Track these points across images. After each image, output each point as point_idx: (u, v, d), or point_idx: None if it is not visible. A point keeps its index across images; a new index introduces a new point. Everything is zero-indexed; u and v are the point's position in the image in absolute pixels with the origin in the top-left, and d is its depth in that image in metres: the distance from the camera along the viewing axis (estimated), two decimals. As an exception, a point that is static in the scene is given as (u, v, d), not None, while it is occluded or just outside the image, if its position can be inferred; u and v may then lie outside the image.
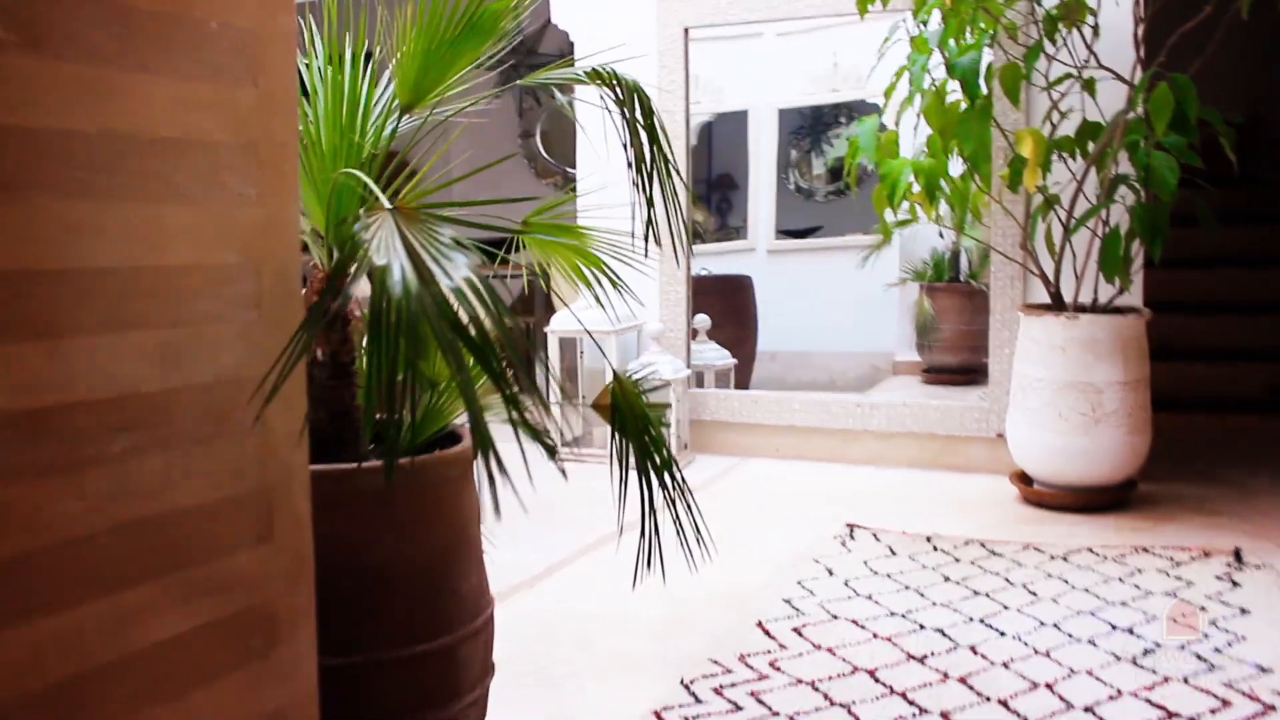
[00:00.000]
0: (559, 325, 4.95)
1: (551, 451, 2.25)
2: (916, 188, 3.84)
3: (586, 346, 5.06)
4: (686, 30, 4.96)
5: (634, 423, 1.93)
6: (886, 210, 3.92)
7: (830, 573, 3.22)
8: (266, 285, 1.33)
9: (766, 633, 2.76)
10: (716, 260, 6.77)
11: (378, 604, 1.60)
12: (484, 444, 1.19)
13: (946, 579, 3.14)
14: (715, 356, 5.22)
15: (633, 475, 2.00)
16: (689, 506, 1.99)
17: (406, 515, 1.66)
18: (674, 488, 1.96)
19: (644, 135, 1.99)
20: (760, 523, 3.87)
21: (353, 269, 1.25)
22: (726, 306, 6.31)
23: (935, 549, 3.43)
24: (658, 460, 1.93)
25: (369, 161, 1.82)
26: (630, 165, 1.99)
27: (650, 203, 1.57)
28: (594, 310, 4.85)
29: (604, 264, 2.24)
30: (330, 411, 1.77)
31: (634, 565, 2.05)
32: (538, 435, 2.22)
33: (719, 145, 7.15)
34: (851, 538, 3.58)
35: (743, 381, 5.60)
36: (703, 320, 5.22)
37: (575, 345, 5.11)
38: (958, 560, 3.32)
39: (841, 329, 6.47)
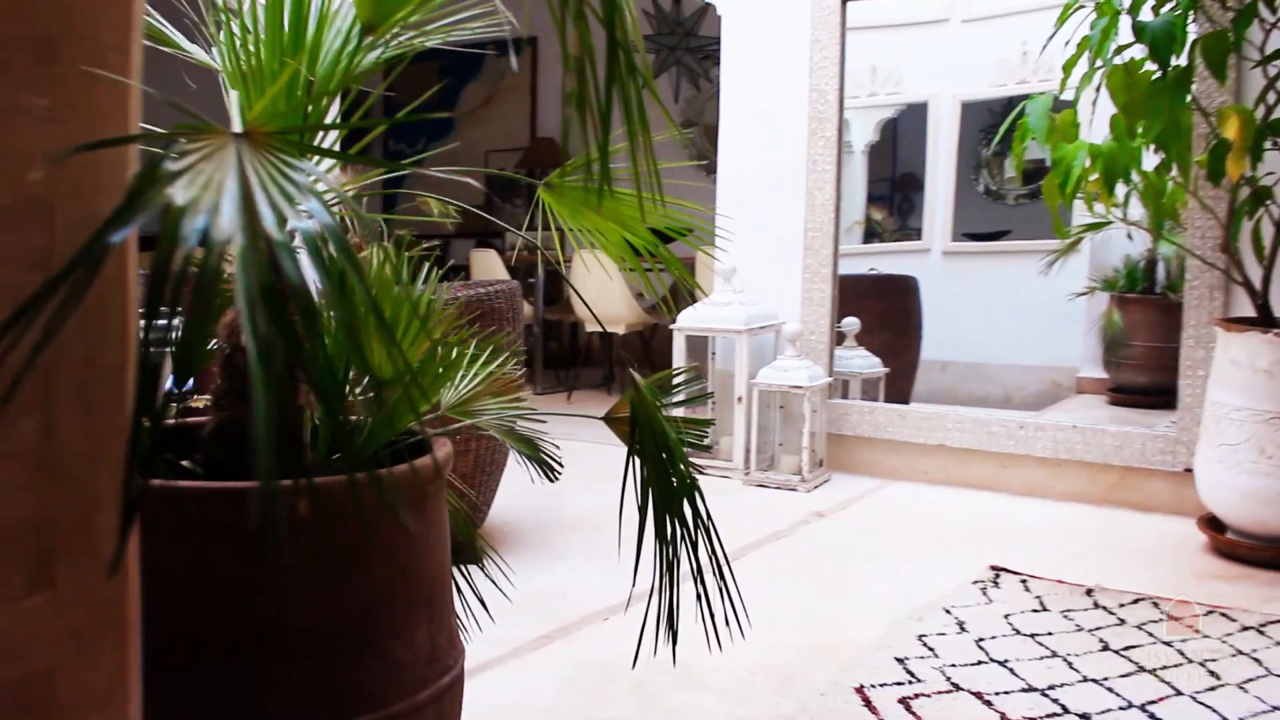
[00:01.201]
0: (687, 322, 4.53)
1: (553, 471, 1.85)
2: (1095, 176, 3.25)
3: (718, 346, 4.62)
4: (844, 1, 4.45)
5: (653, 444, 1.50)
6: (1057, 207, 3.34)
7: (961, 627, 2.70)
8: (61, 238, 0.96)
9: (866, 702, 2.27)
10: (887, 261, 6.26)
11: (270, 671, 1.21)
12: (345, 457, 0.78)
13: (1105, 646, 2.58)
14: (863, 364, 4.70)
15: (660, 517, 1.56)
16: (718, 563, 1.54)
17: (327, 552, 1.27)
18: (696, 529, 1.52)
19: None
20: (891, 559, 3.36)
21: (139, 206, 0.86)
22: (886, 310, 5.77)
23: (1096, 605, 2.86)
24: (677, 494, 1.50)
25: (316, 101, 1.43)
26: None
27: (604, 145, 1.15)
28: (729, 307, 4.44)
29: (656, 241, 1.81)
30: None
31: (651, 633, 1.61)
32: (533, 448, 1.82)
33: (901, 141, 6.63)
34: (995, 584, 3.04)
35: (901, 393, 5.06)
36: (851, 323, 4.70)
37: (706, 345, 4.68)
38: (1122, 622, 2.74)
39: (1021, 340, 5.85)
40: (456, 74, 9.42)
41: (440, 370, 1.52)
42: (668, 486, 1.50)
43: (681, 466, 1.50)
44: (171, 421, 1.55)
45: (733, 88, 4.65)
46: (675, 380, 1.69)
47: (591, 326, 6.55)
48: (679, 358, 4.56)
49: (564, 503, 4.03)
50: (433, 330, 1.48)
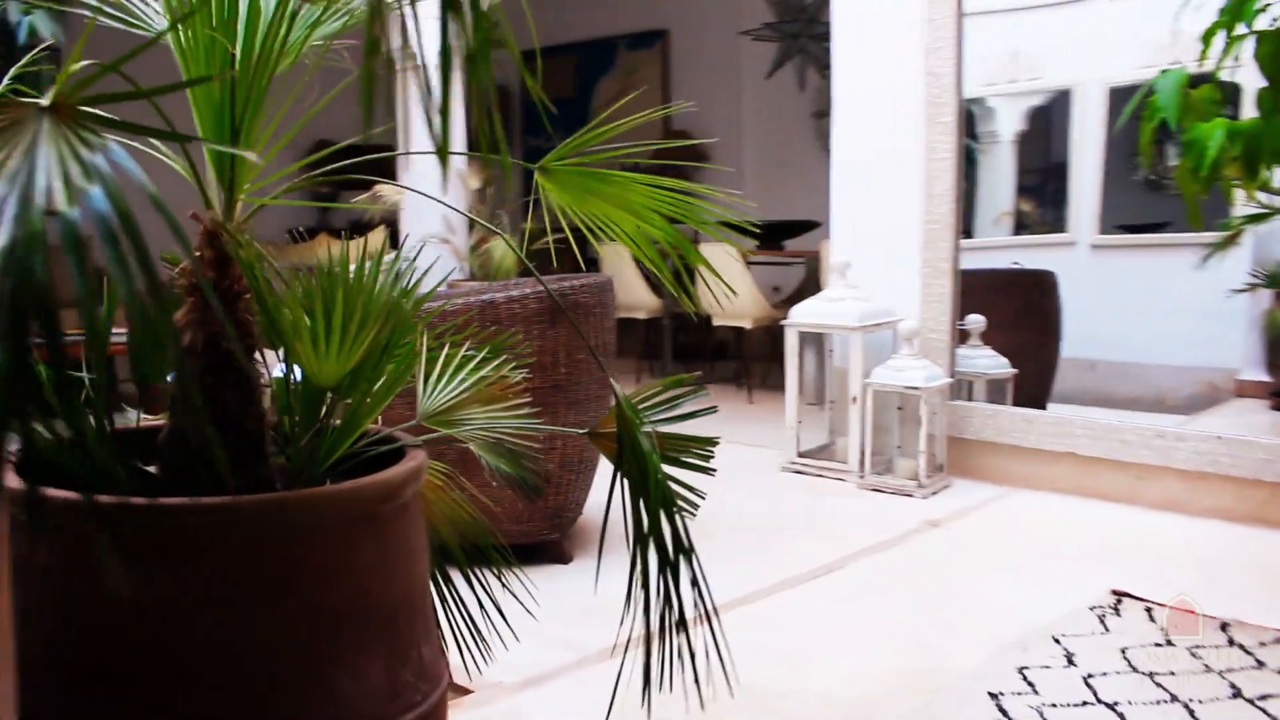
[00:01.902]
0: (800, 318, 4.32)
1: (534, 491, 1.69)
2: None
3: (835, 344, 4.40)
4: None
5: (635, 467, 1.34)
6: (1194, 197, 3.01)
7: (1070, 660, 2.44)
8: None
9: (946, 743, 2.05)
10: (1031, 254, 5.91)
11: (190, 702, 1.10)
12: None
13: (1236, 693, 2.29)
14: (988, 364, 4.40)
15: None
16: (705, 611, 1.38)
17: (252, 576, 1.15)
18: (674, 564, 1.35)
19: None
20: (1002, 575, 3.10)
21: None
22: (1022, 306, 5.44)
23: (1231, 643, 2.56)
24: (659, 524, 1.34)
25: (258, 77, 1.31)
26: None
27: (445, 104, 0.99)
28: (843, 303, 4.22)
29: (676, 233, 1.64)
30: (209, 420, 1.30)
31: (645, 680, 1.45)
32: (514, 464, 1.66)
33: (1054, 130, 6.27)
34: (1115, 611, 2.75)
35: (1037, 395, 4.74)
36: (976, 320, 4.41)
37: (821, 342, 4.46)
38: (1260, 665, 2.43)
39: (1176, 339, 5.44)
40: (591, 68, 9.36)
41: (386, 377, 1.38)
42: (641, 500, 1.34)
43: (661, 491, 1.32)
44: (135, 425, 1.46)
45: (845, 73, 4.41)
46: (667, 394, 1.52)
47: (720, 320, 6.39)
48: (790, 355, 4.36)
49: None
50: (376, 331, 1.34)
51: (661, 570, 1.37)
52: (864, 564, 3.21)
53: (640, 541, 1.36)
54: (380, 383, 1.38)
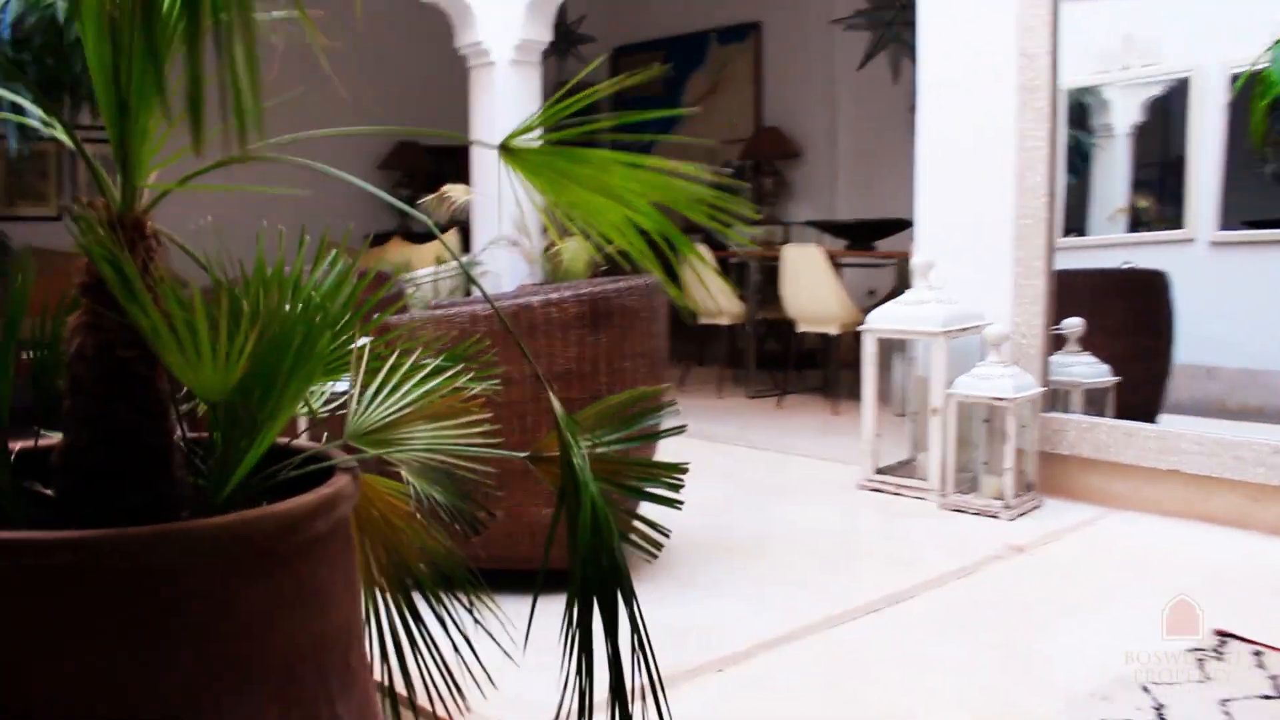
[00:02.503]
0: (878, 323, 4.03)
1: (472, 525, 1.46)
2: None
3: (918, 351, 4.10)
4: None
5: (574, 499, 1.12)
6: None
7: (1160, 715, 2.13)
8: None
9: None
10: (1145, 253, 5.50)
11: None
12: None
13: (1355, 757, 1.96)
14: (1087, 372, 4.05)
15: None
16: (651, 677, 1.15)
17: (122, 620, 0.96)
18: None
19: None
20: (1091, 610, 2.78)
21: None
22: (1129, 308, 5.04)
23: (1353, 695, 2.22)
24: (604, 570, 1.11)
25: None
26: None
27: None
28: (925, 306, 3.91)
29: (666, 223, 1.41)
30: (98, 433, 1.11)
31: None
32: (451, 493, 1.44)
33: (1173, 121, 5.85)
34: (1218, 655, 2.43)
35: (1146, 404, 4.35)
36: (1074, 324, 4.07)
37: (904, 349, 4.17)
38: (1386, 722, 2.09)
39: (1306, 343, 4.99)
40: (681, 63, 9.13)
41: (286, 389, 1.17)
42: (593, 556, 1.11)
43: (600, 527, 1.10)
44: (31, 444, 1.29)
45: (931, 55, 4.10)
46: (631, 410, 1.29)
47: (804, 326, 6.10)
48: (868, 363, 4.07)
49: (730, 522, 3.64)
50: (258, 339, 1.13)
51: (607, 632, 1.14)
52: (935, 594, 2.92)
53: (572, 593, 1.13)
54: (282, 395, 1.18)
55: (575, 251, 5.68)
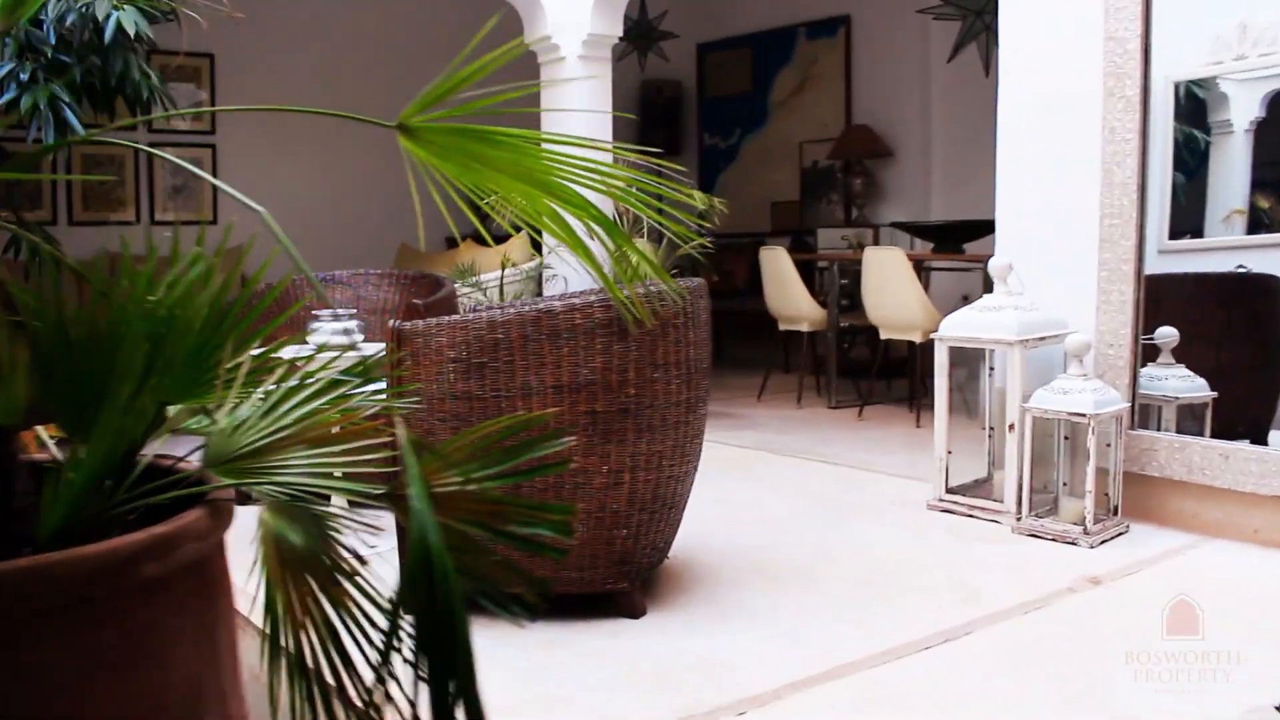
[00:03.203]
0: (950, 330, 3.74)
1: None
2: None
3: (996, 361, 3.80)
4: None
5: (416, 544, 0.91)
6: None
7: (1237, 789, 1.84)
8: None
9: None
10: (1263, 257, 5.10)
11: None
12: None
13: None
14: (1181, 386, 3.70)
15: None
16: None
17: None
18: None
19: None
20: (1172, 655, 2.47)
21: None
22: (1234, 317, 4.63)
23: None
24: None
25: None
26: None
27: None
28: (1000, 312, 3.61)
29: (597, 212, 1.19)
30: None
31: None
32: (306, 533, 1.22)
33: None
34: (1314, 717, 2.11)
35: (1255, 422, 3.98)
36: (1167, 334, 3.72)
37: (982, 358, 3.87)
38: None
39: None
40: (769, 60, 8.87)
41: (113, 410, 0.98)
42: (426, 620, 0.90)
43: (439, 579, 0.89)
44: None
45: (1011, 40, 3.80)
46: (512, 439, 1.07)
47: (886, 333, 5.79)
48: (940, 374, 3.78)
49: (784, 544, 3.40)
50: None
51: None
52: (996, 631, 2.64)
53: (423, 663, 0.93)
54: (112, 414, 1.00)
55: (643, 254, 5.47)
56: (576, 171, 1.23)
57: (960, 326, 3.72)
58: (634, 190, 1.28)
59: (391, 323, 2.76)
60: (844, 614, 2.76)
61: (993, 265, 3.70)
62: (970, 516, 3.64)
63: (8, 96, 3.76)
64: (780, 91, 8.80)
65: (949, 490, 3.76)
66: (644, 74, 9.17)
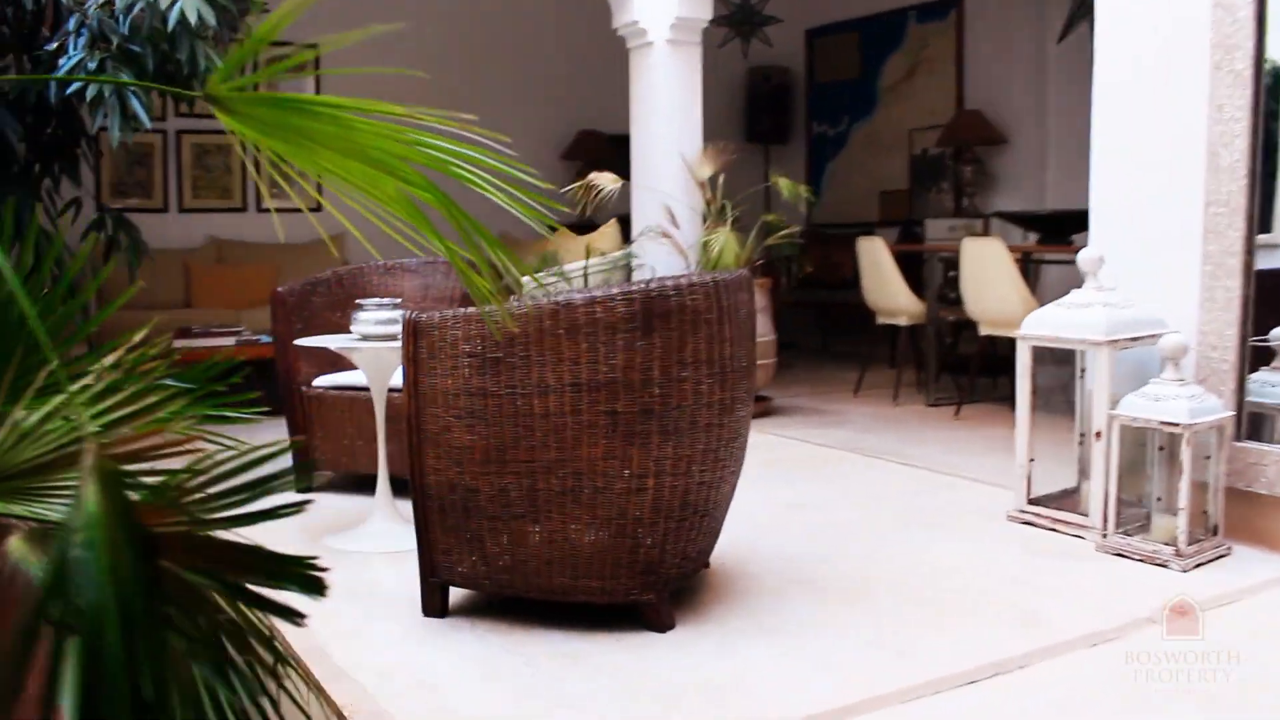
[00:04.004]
0: (1034, 329, 3.44)
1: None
2: None
3: (1088, 362, 3.48)
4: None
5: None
6: None
7: None
8: None
9: None
10: None
11: None
12: None
13: None
14: (1296, 393, 3.33)
15: None
16: None
17: None
18: None
19: None
20: (1264, 705, 2.17)
21: None
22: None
23: None
24: None
25: None
26: None
27: None
28: (1088, 309, 3.30)
29: (440, 194, 1.00)
30: None
31: None
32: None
33: None
34: None
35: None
36: (1282, 335, 3.36)
37: (1073, 359, 3.55)
38: None
39: None
40: (878, 45, 8.53)
41: None
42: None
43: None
44: None
45: (1109, 12, 3.46)
46: (249, 473, 0.89)
47: (987, 328, 5.46)
48: (1022, 376, 3.48)
49: (842, 554, 3.17)
50: None
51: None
52: (1056, 665, 2.37)
53: None
54: None
55: (725, 242, 5.26)
56: (418, 152, 1.05)
57: (1045, 324, 3.41)
58: (463, 165, 1.09)
59: (408, 314, 2.62)
60: (888, 637, 2.52)
61: (1082, 258, 3.38)
62: (1052, 530, 3.34)
63: (75, 86, 3.75)
64: (890, 77, 8.45)
65: (1031, 500, 3.46)
66: (751, 61, 8.92)
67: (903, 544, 3.27)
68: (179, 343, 5.38)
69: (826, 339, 8.63)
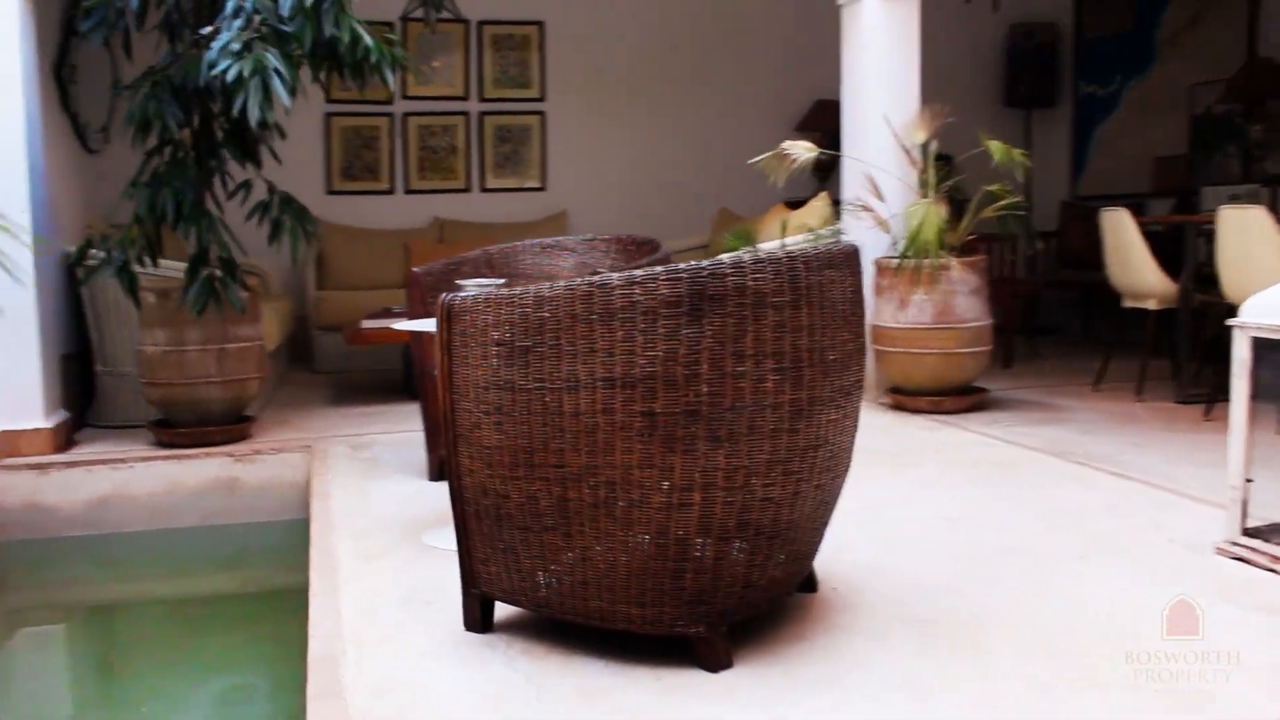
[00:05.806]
0: (1255, 316, 2.77)
1: None
2: None
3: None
4: None
5: None
6: None
7: None
8: None
9: None
10: None
11: None
12: None
13: None
14: None
15: None
16: None
17: None
18: None
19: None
20: None
21: None
22: None
23: None
24: None
25: None
26: None
27: None
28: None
29: None
30: None
31: None
32: None
33: None
34: None
35: None
36: None
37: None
38: None
39: None
40: (1153, -5, 7.54)
41: None
42: None
43: None
44: None
45: None
46: None
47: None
48: (1238, 374, 2.82)
49: (977, 585, 2.66)
50: None
51: None
52: None
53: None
54: None
55: (925, 215, 4.68)
56: None
57: (1266, 312, 2.74)
58: None
59: (443, 297, 2.35)
60: (988, 701, 2.03)
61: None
62: (1271, 571, 2.68)
63: (221, 67, 3.72)
64: (1170, 26, 7.44)
65: (1246, 531, 2.80)
66: (1010, 18, 8.13)
67: (1059, 576, 2.71)
68: (368, 323, 5.39)
69: (1088, 324, 7.76)
